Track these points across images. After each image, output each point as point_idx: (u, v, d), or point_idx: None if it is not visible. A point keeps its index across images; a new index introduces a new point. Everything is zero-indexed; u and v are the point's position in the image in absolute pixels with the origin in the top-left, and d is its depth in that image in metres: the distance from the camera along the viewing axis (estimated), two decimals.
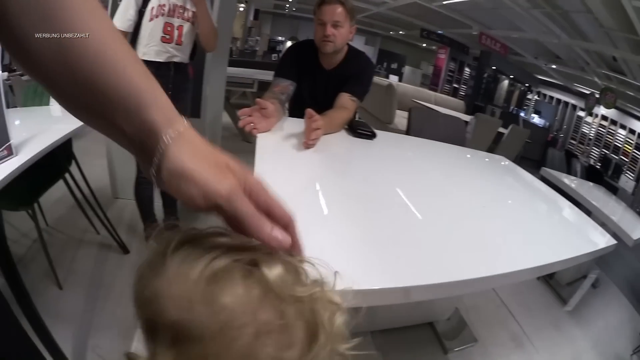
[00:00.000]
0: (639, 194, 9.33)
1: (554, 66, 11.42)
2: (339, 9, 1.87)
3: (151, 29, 2.05)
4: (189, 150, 0.38)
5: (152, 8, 2.03)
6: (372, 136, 1.87)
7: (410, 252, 0.96)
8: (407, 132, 2.61)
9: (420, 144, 2.23)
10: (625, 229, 2.64)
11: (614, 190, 9.23)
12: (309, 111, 1.53)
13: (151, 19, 2.04)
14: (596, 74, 9.89)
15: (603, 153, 12.05)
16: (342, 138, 1.79)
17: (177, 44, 2.14)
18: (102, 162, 2.96)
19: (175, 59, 2.17)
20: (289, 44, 17.56)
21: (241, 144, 4.82)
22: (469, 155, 2.36)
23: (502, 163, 2.42)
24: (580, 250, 1.28)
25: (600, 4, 5.70)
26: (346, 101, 1.91)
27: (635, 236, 2.62)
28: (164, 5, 2.04)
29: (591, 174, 6.81)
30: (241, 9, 13.98)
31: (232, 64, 3.65)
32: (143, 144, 0.38)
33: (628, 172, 10.88)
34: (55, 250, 2.26)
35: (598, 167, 10.99)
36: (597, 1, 5.68)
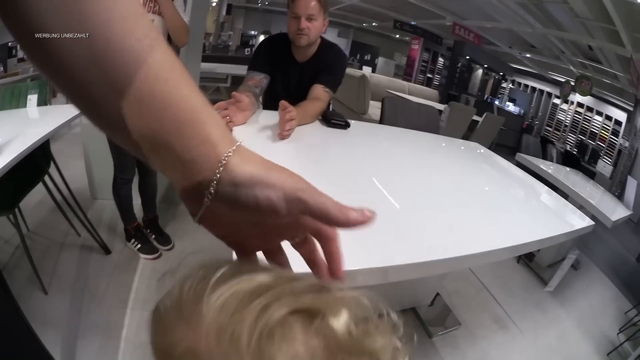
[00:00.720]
0: (617, 177, 9.55)
1: (528, 55, 11.57)
2: (313, 2, 1.87)
3: None
4: (252, 160, 0.36)
5: None
6: (345, 126, 1.87)
7: (387, 236, 0.96)
8: (381, 121, 2.61)
9: (394, 133, 2.23)
10: (604, 211, 2.72)
11: (591, 174, 9.43)
12: (283, 103, 1.53)
13: None
14: (571, 62, 10.06)
15: (579, 139, 12.29)
16: (317, 128, 1.78)
17: None
18: (79, 164, 2.88)
19: None
20: (261, 38, 17.44)
21: None
22: (444, 143, 2.38)
23: (478, 150, 2.44)
24: (557, 230, 1.31)
25: None
26: (319, 92, 1.92)
27: (614, 217, 2.70)
28: None
29: (568, 160, 6.96)
30: (214, 4, 13.82)
31: (205, 59, 3.62)
32: (194, 160, 0.34)
33: (605, 157, 11.15)
34: (38, 255, 2.22)
35: (574, 152, 11.19)
36: None
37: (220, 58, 5.95)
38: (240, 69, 4.88)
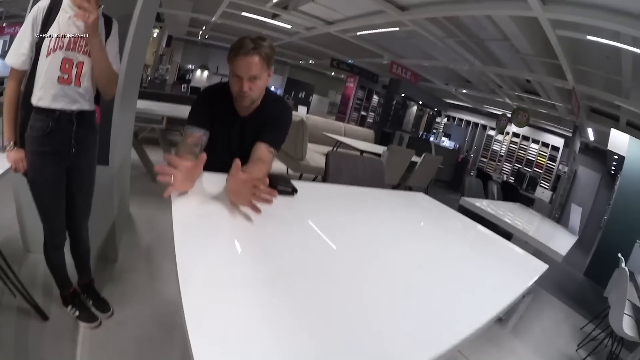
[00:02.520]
0: (556, 201, 9.96)
1: (464, 90, 11.93)
2: (256, 60, 1.66)
3: (47, 67, 1.67)
4: None
5: (51, 40, 1.66)
6: (292, 192, 1.63)
7: (340, 334, 0.80)
8: (325, 177, 2.46)
9: (341, 194, 2.05)
10: (553, 247, 2.80)
11: (530, 201, 9.87)
12: (237, 165, 1.29)
13: (48, 54, 1.66)
14: (507, 96, 10.47)
15: (516, 168, 12.81)
16: None
17: (75, 86, 1.75)
18: (8, 208, 2.55)
19: (76, 106, 1.78)
20: (198, 73, 17.31)
21: (150, 185, 4.44)
22: (391, 200, 2.29)
23: (424, 202, 2.42)
24: (520, 289, 1.34)
25: (519, 32, 5.97)
26: (264, 153, 1.71)
27: (563, 252, 2.79)
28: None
29: (507, 190, 7.08)
30: (154, 36, 13.49)
31: (141, 95, 3.33)
32: None
33: (543, 181, 11.67)
34: None
35: (512, 181, 11.61)
36: (515, 30, 5.93)
37: (157, 95, 5.67)
38: (176, 110, 4.61)
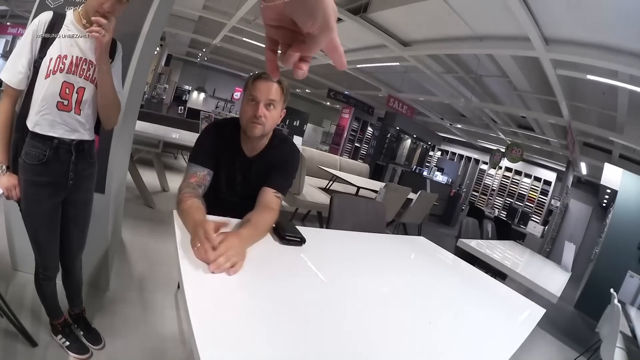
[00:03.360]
0: (548, 235, 10.00)
1: (458, 125, 12.03)
2: (276, 86, 1.65)
3: (46, 90, 1.54)
4: None
5: (51, 60, 1.53)
6: (301, 242, 1.57)
7: None
8: (328, 220, 2.45)
9: (347, 241, 2.02)
10: (549, 289, 2.77)
11: (522, 236, 9.90)
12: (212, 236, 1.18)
13: (47, 76, 1.53)
14: (502, 131, 10.59)
15: (508, 202, 12.88)
16: (269, 246, 1.48)
17: (75, 114, 1.63)
18: None
19: (75, 136, 1.67)
20: (195, 94, 17.32)
21: (143, 209, 4.35)
22: (394, 245, 2.27)
23: (425, 247, 2.43)
24: (523, 336, 1.35)
25: (518, 70, 6.03)
26: (271, 199, 1.65)
27: (558, 293, 2.78)
28: (65, 56, 1.56)
29: (499, 225, 7.07)
30: (155, 53, 13.50)
31: (139, 116, 3.28)
32: None
33: (534, 215, 11.75)
34: None
35: (503, 217, 11.65)
36: (515, 68, 5.99)
37: (154, 117, 5.66)
38: (172, 132, 4.60)
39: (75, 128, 1.66)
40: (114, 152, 2.36)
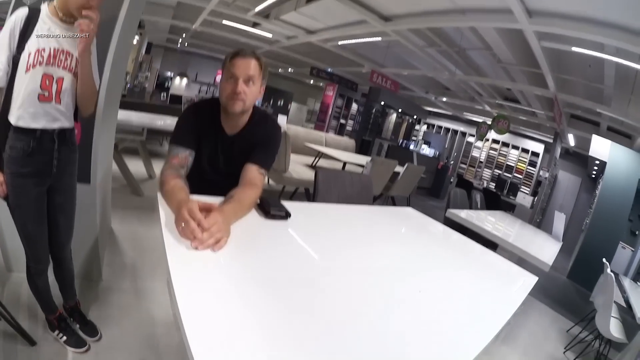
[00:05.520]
0: (537, 206, 10.11)
1: (444, 98, 12.02)
2: (254, 62, 1.65)
3: (27, 84, 1.56)
4: None
5: (29, 54, 1.53)
6: (286, 216, 1.58)
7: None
8: (314, 195, 2.42)
9: (333, 214, 2.02)
10: (540, 257, 2.79)
11: (512, 207, 9.99)
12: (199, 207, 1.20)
13: (27, 70, 1.54)
14: (487, 103, 10.60)
15: (496, 174, 12.95)
16: (254, 222, 1.47)
17: (56, 103, 1.64)
18: None
19: (57, 125, 1.68)
20: (177, 80, 17.14)
21: (131, 198, 4.35)
22: (381, 216, 2.27)
23: (411, 216, 2.43)
24: (516, 304, 1.35)
25: (502, 42, 6.01)
26: (255, 176, 1.66)
27: (550, 261, 2.80)
28: (43, 49, 1.56)
29: (489, 197, 7.15)
30: (134, 42, 13.28)
31: (121, 105, 3.24)
32: None
33: (523, 187, 11.86)
34: None
35: (492, 188, 11.73)
36: (498, 40, 5.97)
37: (137, 105, 5.57)
38: (156, 119, 4.53)
39: (56, 117, 1.67)
40: (97, 142, 2.33)
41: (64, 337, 2.08)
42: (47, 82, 1.59)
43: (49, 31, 1.58)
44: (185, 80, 17.46)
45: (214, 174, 1.82)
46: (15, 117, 1.58)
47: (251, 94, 1.66)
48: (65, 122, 1.72)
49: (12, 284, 2.43)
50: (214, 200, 1.39)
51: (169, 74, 16.94)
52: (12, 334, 2.02)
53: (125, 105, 4.61)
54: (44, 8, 1.60)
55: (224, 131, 1.78)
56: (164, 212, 1.27)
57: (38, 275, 1.94)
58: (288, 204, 1.66)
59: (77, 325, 2.19)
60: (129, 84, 11.80)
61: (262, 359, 0.72)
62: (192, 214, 1.14)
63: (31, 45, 1.55)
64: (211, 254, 1.07)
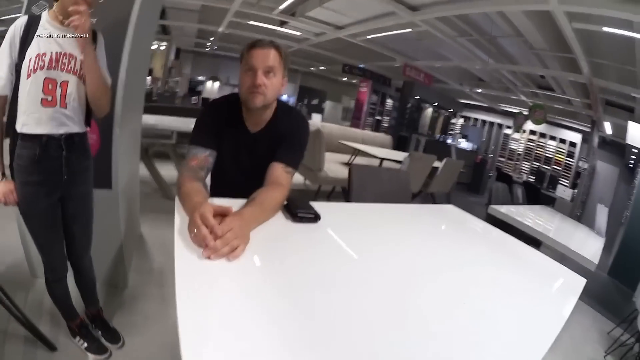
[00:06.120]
0: (578, 199, 9.74)
1: (478, 90, 11.74)
2: (273, 53, 1.55)
3: (28, 89, 1.54)
4: None
5: (30, 60, 1.52)
6: (315, 219, 1.44)
7: None
8: (348, 195, 2.32)
9: (368, 215, 1.88)
10: (585, 255, 2.64)
11: (551, 200, 9.64)
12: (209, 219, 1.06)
13: (29, 75, 1.52)
14: (522, 93, 10.28)
15: (535, 166, 12.56)
16: (279, 226, 1.33)
17: (61, 107, 1.60)
18: (13, 233, 2.42)
19: (63, 130, 1.64)
20: (209, 84, 17.32)
21: (162, 202, 4.33)
22: (421, 215, 2.15)
23: (452, 215, 2.27)
24: (567, 311, 1.22)
25: (533, 27, 5.81)
26: (280, 175, 1.54)
27: (596, 260, 2.63)
28: (44, 54, 1.54)
29: (529, 191, 6.90)
30: (162, 48, 13.48)
31: (151, 110, 3.20)
32: None
33: (562, 179, 11.44)
34: None
35: (532, 181, 11.38)
36: (529, 25, 5.78)
37: (166, 109, 5.59)
38: (186, 123, 4.46)
39: (62, 122, 1.63)
40: (118, 146, 2.30)
41: (85, 344, 2.07)
42: (50, 86, 1.56)
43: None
44: (217, 83, 17.63)
45: (238, 175, 1.72)
46: (21, 124, 1.57)
47: (272, 86, 1.55)
48: (74, 127, 1.68)
49: (37, 290, 2.42)
50: (238, 203, 1.28)
51: (200, 78, 17.13)
52: (33, 340, 2.01)
53: (154, 110, 4.62)
54: (45, 14, 1.59)
55: (246, 128, 1.68)
56: (180, 217, 1.17)
57: (55, 283, 1.92)
58: (319, 205, 1.53)
59: (99, 332, 2.17)
60: (159, 89, 11.98)
61: None
62: (204, 220, 1.04)
63: (32, 51, 1.53)
64: (226, 264, 0.96)
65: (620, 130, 8.56)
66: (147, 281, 2.73)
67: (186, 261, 0.94)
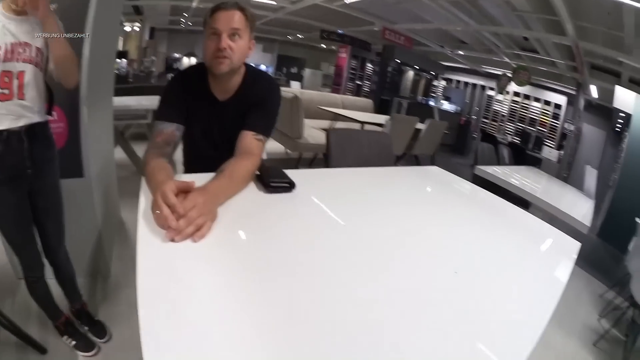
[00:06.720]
0: (565, 160, 9.79)
1: (460, 52, 11.63)
2: (238, 14, 1.45)
3: None
4: None
5: None
6: (290, 187, 1.36)
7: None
8: (327, 160, 2.23)
9: (348, 180, 1.82)
10: (577, 217, 2.63)
11: (537, 162, 9.69)
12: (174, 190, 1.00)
13: None
14: (505, 55, 10.20)
15: (520, 128, 12.58)
16: (251, 198, 1.26)
17: (19, 99, 1.51)
18: None
19: (23, 122, 1.55)
20: (186, 60, 17.01)
21: (141, 184, 4.18)
22: (403, 177, 2.10)
23: (436, 176, 2.24)
24: (564, 277, 1.16)
25: None
26: (250, 143, 1.46)
27: (588, 222, 2.62)
28: None
29: (514, 151, 6.90)
30: (136, 29, 13.16)
31: (126, 91, 3.05)
32: None
33: (548, 140, 11.49)
34: None
35: (518, 142, 11.41)
36: None
37: (141, 89, 5.38)
38: None
39: (21, 114, 1.53)
40: (87, 132, 2.19)
41: (73, 342, 2.04)
42: (7, 79, 1.46)
43: (3, 28, 1.45)
44: (194, 59, 17.29)
45: (209, 147, 1.65)
46: None
47: (238, 49, 1.46)
48: (34, 117, 1.58)
49: (23, 292, 2.30)
50: (210, 177, 1.19)
51: (177, 55, 16.83)
52: (24, 345, 1.98)
53: (130, 91, 4.45)
54: None
55: (214, 97, 1.58)
56: (144, 198, 1.09)
57: (35, 283, 1.87)
58: (296, 173, 1.46)
59: (86, 328, 2.14)
60: (134, 71, 11.75)
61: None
62: (165, 198, 0.96)
63: None
64: (191, 246, 0.88)
65: (607, 94, 8.52)
66: (130, 268, 2.61)
67: (148, 246, 0.86)
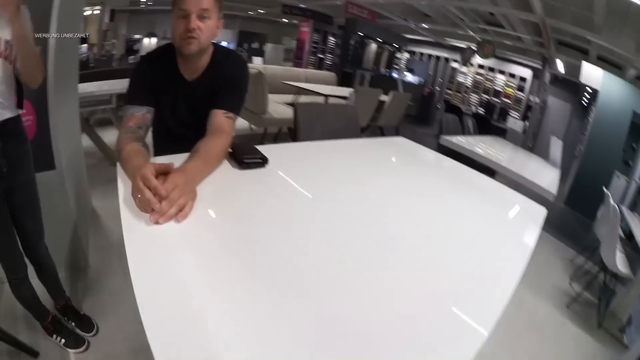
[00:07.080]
0: (530, 131, 10.01)
1: (424, 25, 11.63)
2: None
3: None
4: None
5: None
6: (263, 163, 1.40)
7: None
8: (295, 134, 2.26)
9: (319, 153, 1.87)
10: (544, 185, 2.73)
11: (502, 132, 9.90)
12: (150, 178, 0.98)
13: None
14: (470, 29, 10.23)
15: (485, 99, 12.75)
16: (226, 175, 1.31)
17: None
18: None
19: None
20: (146, 41, 16.55)
21: (110, 171, 4.11)
22: (371, 149, 2.16)
23: (403, 146, 2.31)
24: (532, 241, 1.22)
25: None
26: (221, 122, 1.47)
27: (554, 190, 2.72)
28: None
29: (479, 122, 7.05)
30: (96, 13, 12.72)
31: (87, 77, 2.99)
32: None
33: (513, 111, 11.68)
34: None
35: (482, 112, 11.55)
36: None
37: (103, 74, 5.18)
38: (125, 84, 4.24)
39: None
40: (56, 123, 2.14)
41: (63, 340, 2.03)
42: None
43: None
44: (154, 39, 16.82)
45: (181, 127, 1.64)
46: None
47: (207, 29, 1.46)
48: (5, 113, 1.51)
49: (7, 295, 2.25)
50: (183, 158, 1.21)
51: (137, 36, 16.35)
52: (16, 351, 1.95)
53: (91, 76, 4.34)
54: None
55: (183, 77, 1.58)
56: (123, 184, 1.09)
57: (19, 284, 1.82)
58: (266, 148, 1.50)
59: (73, 323, 2.13)
60: (95, 55, 11.38)
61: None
62: (146, 181, 0.96)
63: None
64: (176, 226, 0.91)
65: (573, 69, 8.65)
66: (107, 256, 2.64)
67: (134, 231, 0.87)
